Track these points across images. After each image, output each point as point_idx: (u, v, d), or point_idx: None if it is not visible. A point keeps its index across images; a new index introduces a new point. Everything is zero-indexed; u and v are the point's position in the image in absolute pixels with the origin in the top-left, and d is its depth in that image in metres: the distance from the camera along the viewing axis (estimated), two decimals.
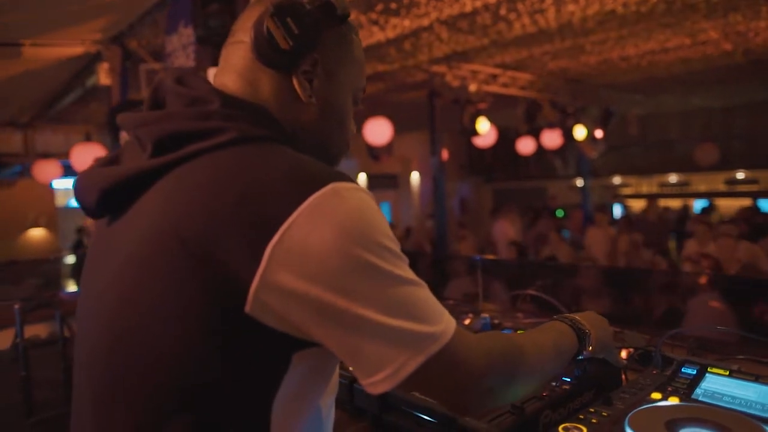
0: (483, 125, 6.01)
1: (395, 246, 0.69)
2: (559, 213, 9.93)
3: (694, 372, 1.01)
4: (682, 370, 1.02)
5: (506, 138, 9.11)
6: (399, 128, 9.86)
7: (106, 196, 0.72)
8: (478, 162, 11.73)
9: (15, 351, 2.82)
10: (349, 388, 1.11)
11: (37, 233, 8.32)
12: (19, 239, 8.16)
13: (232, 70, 0.80)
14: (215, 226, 0.63)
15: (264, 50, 0.77)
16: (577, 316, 0.99)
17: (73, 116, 7.35)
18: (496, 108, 7.22)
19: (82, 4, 3.84)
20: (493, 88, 6.55)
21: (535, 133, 8.13)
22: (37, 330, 3.10)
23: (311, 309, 0.63)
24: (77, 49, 4.76)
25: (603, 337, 1.00)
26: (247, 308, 0.63)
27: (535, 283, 1.99)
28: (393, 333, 0.65)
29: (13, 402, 2.77)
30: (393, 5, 4.12)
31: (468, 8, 4.22)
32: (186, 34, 3.54)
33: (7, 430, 2.84)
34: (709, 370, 1.01)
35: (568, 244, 7.03)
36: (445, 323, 0.69)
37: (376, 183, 11.28)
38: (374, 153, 8.91)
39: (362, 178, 11.12)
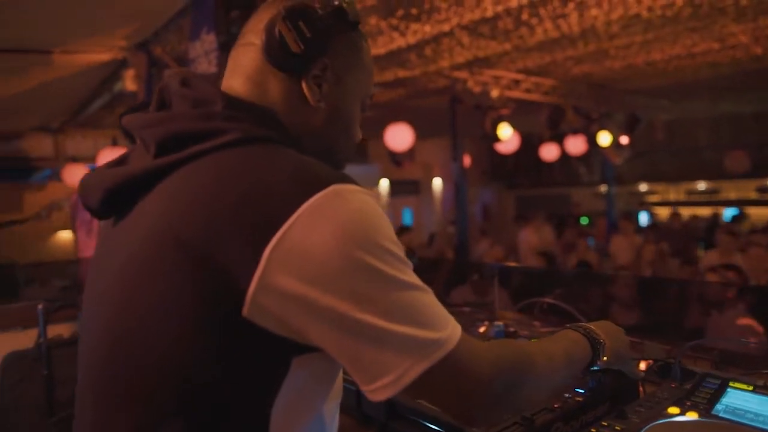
0: (505, 131, 5.96)
1: (399, 250, 0.67)
2: (584, 220, 9.80)
3: (716, 386, 0.97)
4: (703, 383, 0.98)
5: (529, 144, 9.03)
6: (421, 134, 9.85)
7: (110, 197, 0.72)
8: (500, 168, 11.64)
9: (38, 350, 2.87)
10: (357, 394, 1.10)
11: (65, 235, 8.51)
12: (48, 241, 8.35)
13: (240, 72, 0.80)
14: (215, 228, 0.63)
15: (275, 53, 0.77)
16: (591, 326, 0.95)
17: (101, 121, 7.50)
18: (518, 114, 7.15)
19: (109, 11, 3.92)
20: (516, 94, 6.49)
21: (559, 139, 8.05)
22: (61, 330, 3.15)
23: (310, 312, 0.62)
24: (104, 56, 4.86)
25: (618, 348, 0.97)
26: (245, 311, 0.62)
27: (555, 291, 1.95)
28: (395, 339, 0.63)
29: (35, 401, 2.81)
30: (414, 11, 4.12)
31: (489, 13, 4.19)
32: (208, 41, 3.59)
33: (30, 428, 2.89)
34: (731, 384, 0.97)
35: (593, 252, 6.94)
36: (450, 329, 0.67)
37: (397, 189, 11.27)
38: (396, 159, 8.90)
39: (384, 183, 11.13)
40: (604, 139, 7.06)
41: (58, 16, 3.87)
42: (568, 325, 0.96)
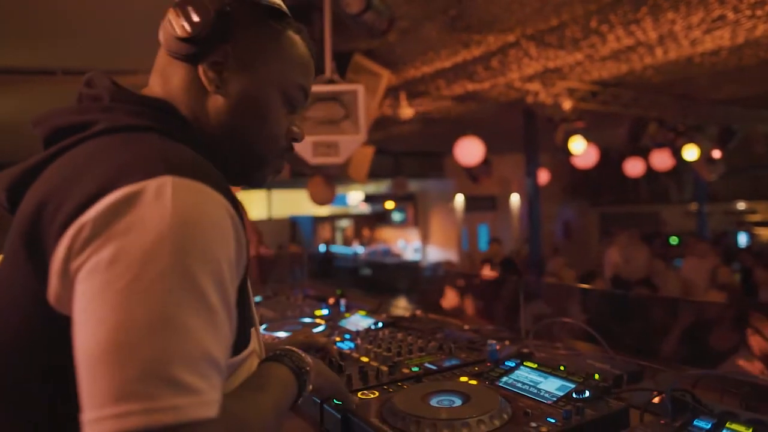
0: (577, 145, 5.67)
1: (206, 271, 0.57)
2: (674, 240, 9.13)
3: (707, 426, 0.83)
4: (694, 422, 0.85)
5: (613, 159, 8.57)
6: (499, 149, 9.66)
7: (11, 195, 0.74)
8: (582, 184, 11.12)
9: None
10: (320, 408, 1.05)
11: None
12: None
13: (154, 69, 0.83)
14: (44, 215, 0.62)
15: (166, 40, 0.78)
16: (301, 351, 0.85)
17: None
18: (598, 127, 6.80)
19: None
20: (593, 106, 6.18)
21: (644, 154, 7.58)
22: None
23: (78, 306, 0.57)
24: None
25: (327, 372, 0.90)
26: (50, 298, 0.60)
27: (589, 312, 1.80)
28: (112, 373, 0.51)
29: None
30: (474, 21, 4.05)
31: (554, 22, 4.03)
32: None
33: None
34: (728, 425, 0.82)
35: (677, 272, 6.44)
36: (181, 402, 0.52)
37: (473, 205, 11.09)
38: (473, 174, 8.75)
39: (459, 199, 10.99)
40: (691, 153, 6.53)
41: (143, 42, 4.17)
42: (278, 351, 0.84)
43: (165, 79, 0.79)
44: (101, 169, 0.61)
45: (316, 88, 3.28)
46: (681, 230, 9.17)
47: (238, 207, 0.66)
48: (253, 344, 0.78)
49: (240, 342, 0.72)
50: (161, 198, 0.58)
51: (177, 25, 0.75)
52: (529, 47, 4.64)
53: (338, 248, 11.39)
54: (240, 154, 0.83)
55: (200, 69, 0.78)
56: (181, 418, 0.51)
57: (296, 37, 0.85)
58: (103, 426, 0.50)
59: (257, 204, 11.97)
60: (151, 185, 0.59)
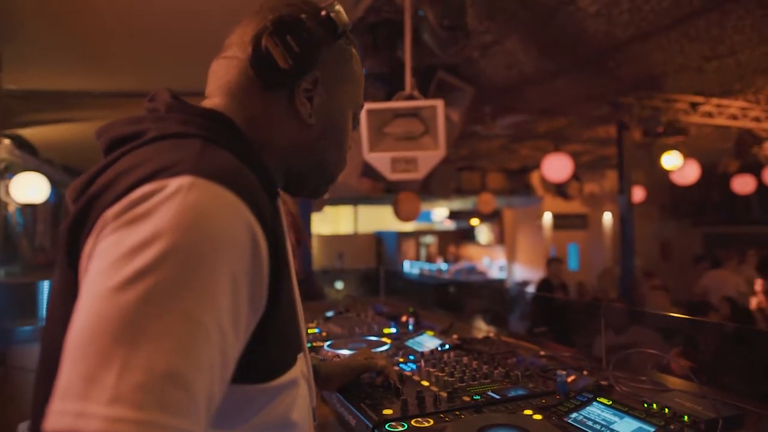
0: (672, 160, 5.26)
1: (200, 283, 0.52)
2: None
3: None
4: None
5: (720, 176, 7.92)
6: (591, 165, 9.21)
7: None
8: (683, 202, 10.33)
9: None
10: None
11: None
12: None
13: (221, 87, 0.80)
14: (83, 219, 0.62)
15: (262, 69, 0.76)
16: None
17: None
18: (701, 141, 6.30)
19: None
20: (695, 119, 5.74)
21: (756, 170, 6.95)
22: None
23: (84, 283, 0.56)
24: None
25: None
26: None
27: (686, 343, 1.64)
28: (94, 367, 0.47)
29: None
30: (560, 34, 3.89)
31: (646, 28, 3.79)
32: None
33: None
34: None
35: None
36: (144, 416, 0.45)
37: (562, 223, 10.65)
38: (562, 191, 8.41)
39: (547, 217, 10.60)
40: None
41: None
42: None
43: (245, 104, 0.78)
44: (138, 171, 0.61)
45: (396, 104, 3.29)
46: None
47: (266, 223, 0.62)
48: (297, 370, 0.74)
49: (274, 367, 0.69)
50: (176, 196, 0.56)
51: (277, 55, 0.74)
52: (620, 57, 4.40)
53: (422, 264, 11.32)
54: (315, 172, 0.84)
55: (296, 98, 0.78)
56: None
57: (356, 53, 0.84)
58: (47, 420, 0.47)
59: (344, 220, 12.20)
60: (172, 183, 0.57)
